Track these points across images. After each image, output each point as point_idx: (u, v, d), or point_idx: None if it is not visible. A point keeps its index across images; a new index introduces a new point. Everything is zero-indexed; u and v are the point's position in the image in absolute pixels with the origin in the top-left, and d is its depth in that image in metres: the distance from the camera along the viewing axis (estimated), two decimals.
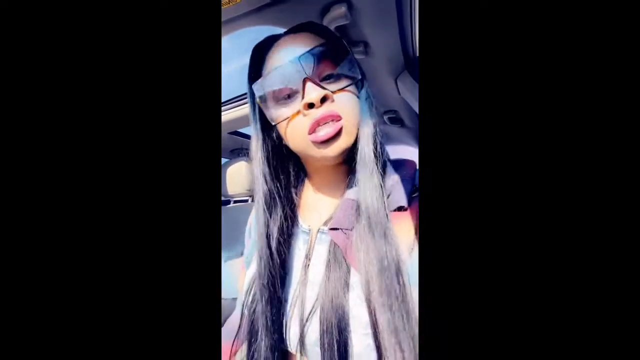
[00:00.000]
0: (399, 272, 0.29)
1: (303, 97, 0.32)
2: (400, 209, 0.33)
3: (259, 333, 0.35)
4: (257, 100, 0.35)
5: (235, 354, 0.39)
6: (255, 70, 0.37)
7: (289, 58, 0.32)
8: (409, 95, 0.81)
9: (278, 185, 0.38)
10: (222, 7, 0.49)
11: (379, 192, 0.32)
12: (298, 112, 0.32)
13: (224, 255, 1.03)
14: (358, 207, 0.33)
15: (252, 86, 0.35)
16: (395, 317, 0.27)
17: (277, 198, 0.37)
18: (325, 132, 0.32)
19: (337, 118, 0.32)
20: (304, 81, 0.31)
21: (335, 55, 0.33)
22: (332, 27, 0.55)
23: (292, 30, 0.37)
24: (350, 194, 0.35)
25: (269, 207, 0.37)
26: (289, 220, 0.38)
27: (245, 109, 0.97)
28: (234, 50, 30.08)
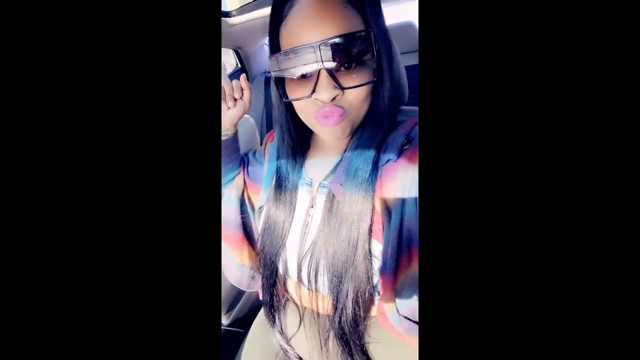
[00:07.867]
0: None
1: (315, 86, 0.32)
2: (388, 161, 0.36)
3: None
4: (273, 74, 0.36)
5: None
6: (275, 21, 0.35)
7: (309, 39, 0.31)
8: None
9: (289, 138, 0.42)
10: None
11: (372, 157, 0.36)
12: (308, 96, 0.33)
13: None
14: None
15: (269, 58, 0.35)
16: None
17: (290, 149, 0.42)
18: (327, 121, 0.33)
19: (341, 112, 0.33)
20: (319, 72, 0.31)
21: (357, 46, 0.31)
22: None
23: None
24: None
25: (282, 157, 0.42)
26: (297, 171, 0.42)
27: None
28: None
